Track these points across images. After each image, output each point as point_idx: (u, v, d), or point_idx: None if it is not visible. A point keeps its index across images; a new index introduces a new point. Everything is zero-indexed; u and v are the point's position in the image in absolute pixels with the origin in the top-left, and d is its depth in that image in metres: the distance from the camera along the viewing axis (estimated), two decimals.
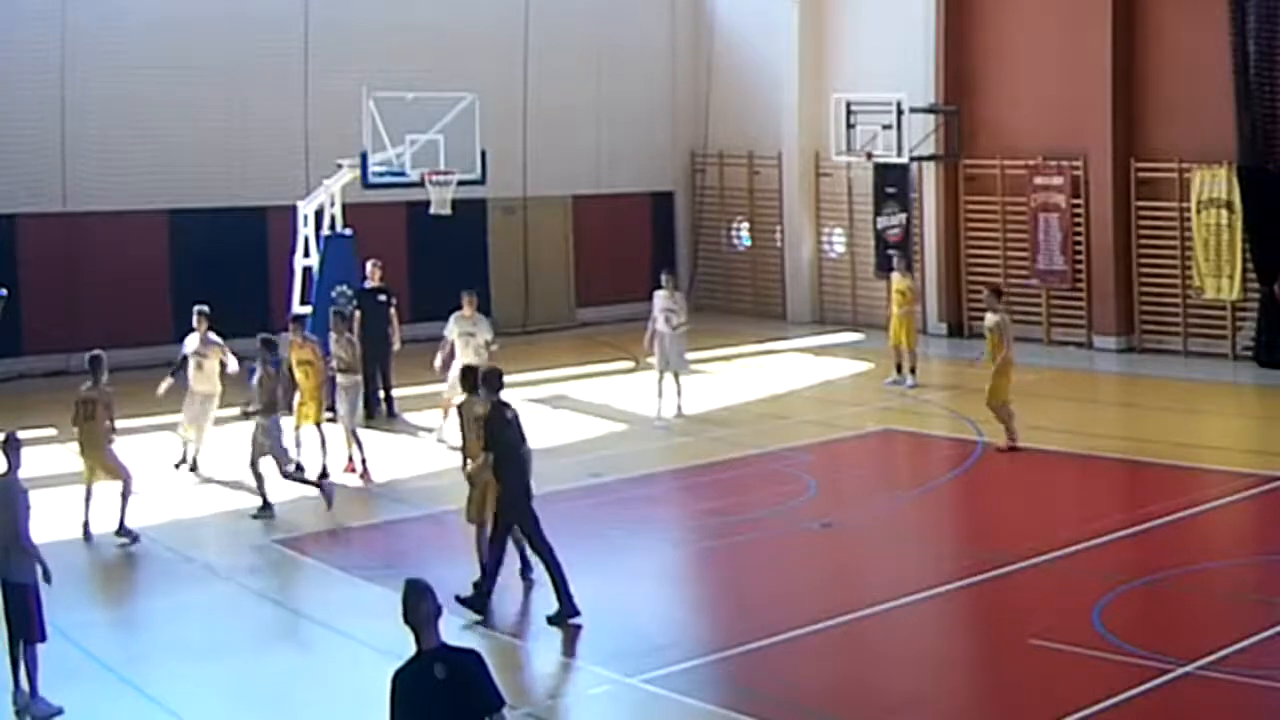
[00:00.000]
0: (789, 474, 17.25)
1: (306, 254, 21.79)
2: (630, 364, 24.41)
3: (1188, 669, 10.48)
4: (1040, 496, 16.64)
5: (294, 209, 22.25)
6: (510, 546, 12.72)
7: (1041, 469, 17.67)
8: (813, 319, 29.62)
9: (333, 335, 17.86)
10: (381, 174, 21.26)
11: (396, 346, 20.67)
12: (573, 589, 12.14)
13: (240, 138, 25.79)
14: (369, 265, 20.87)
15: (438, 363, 18.93)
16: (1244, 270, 23.38)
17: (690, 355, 22.08)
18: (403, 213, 25.99)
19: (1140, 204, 24.78)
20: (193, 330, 17.75)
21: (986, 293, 19.49)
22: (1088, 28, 24.97)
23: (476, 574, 12.56)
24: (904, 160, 26.94)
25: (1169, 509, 15.09)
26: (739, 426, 20.21)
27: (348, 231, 21.76)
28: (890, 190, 28.13)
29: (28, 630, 10.37)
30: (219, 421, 17.79)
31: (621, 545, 14.79)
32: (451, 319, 19.02)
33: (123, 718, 10.65)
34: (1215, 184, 23.47)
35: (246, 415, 15.95)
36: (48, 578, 10.45)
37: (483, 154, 22.05)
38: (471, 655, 6.77)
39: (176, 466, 17.49)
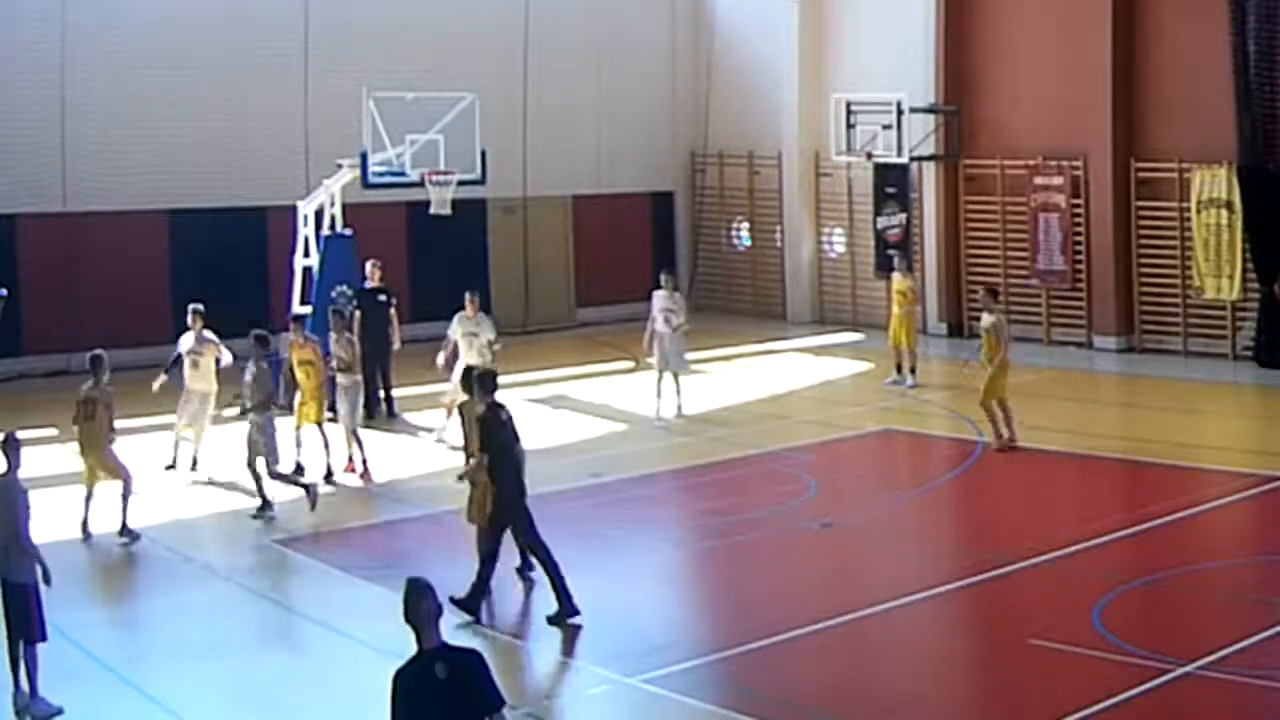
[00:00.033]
0: (789, 474, 17.25)
1: (306, 254, 21.80)
2: (630, 364, 24.41)
3: (1188, 669, 10.48)
4: (1040, 496, 16.64)
5: (294, 209, 22.26)
6: (511, 545, 12.72)
7: (1041, 469, 17.67)
8: (813, 319, 29.61)
9: (332, 335, 17.85)
10: (381, 174, 21.26)
11: (396, 346, 20.68)
12: (571, 588, 12.14)
13: (240, 138, 25.79)
14: (369, 265, 20.87)
15: (440, 360, 18.95)
16: (1244, 270, 23.38)
17: (690, 355, 22.08)
18: (403, 213, 25.99)
19: (1140, 204, 24.78)
20: (187, 329, 17.72)
21: (982, 293, 19.50)
22: (1088, 28, 24.97)
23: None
24: (904, 160, 26.94)
25: (1169, 509, 15.09)
26: (739, 426, 20.21)
27: (348, 231, 21.77)
28: (890, 190, 28.13)
29: (28, 630, 10.37)
30: (218, 421, 17.76)
31: (621, 545, 14.79)
32: (455, 319, 19.05)
33: (123, 718, 10.65)
34: (1215, 184, 23.47)
35: (243, 412, 15.96)
36: (47, 579, 10.45)
37: (483, 154, 22.06)
38: (473, 655, 6.79)
39: (168, 469, 17.36)
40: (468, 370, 13.77)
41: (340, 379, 17.53)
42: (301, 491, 15.86)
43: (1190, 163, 23.79)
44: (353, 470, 17.32)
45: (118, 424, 15.15)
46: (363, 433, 17.73)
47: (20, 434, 11.18)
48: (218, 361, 17.60)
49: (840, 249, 29.52)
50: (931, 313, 27.24)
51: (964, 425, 19.13)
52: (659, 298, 20.46)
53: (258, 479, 15.66)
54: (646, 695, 10.67)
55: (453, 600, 11.83)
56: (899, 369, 22.67)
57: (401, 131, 21.04)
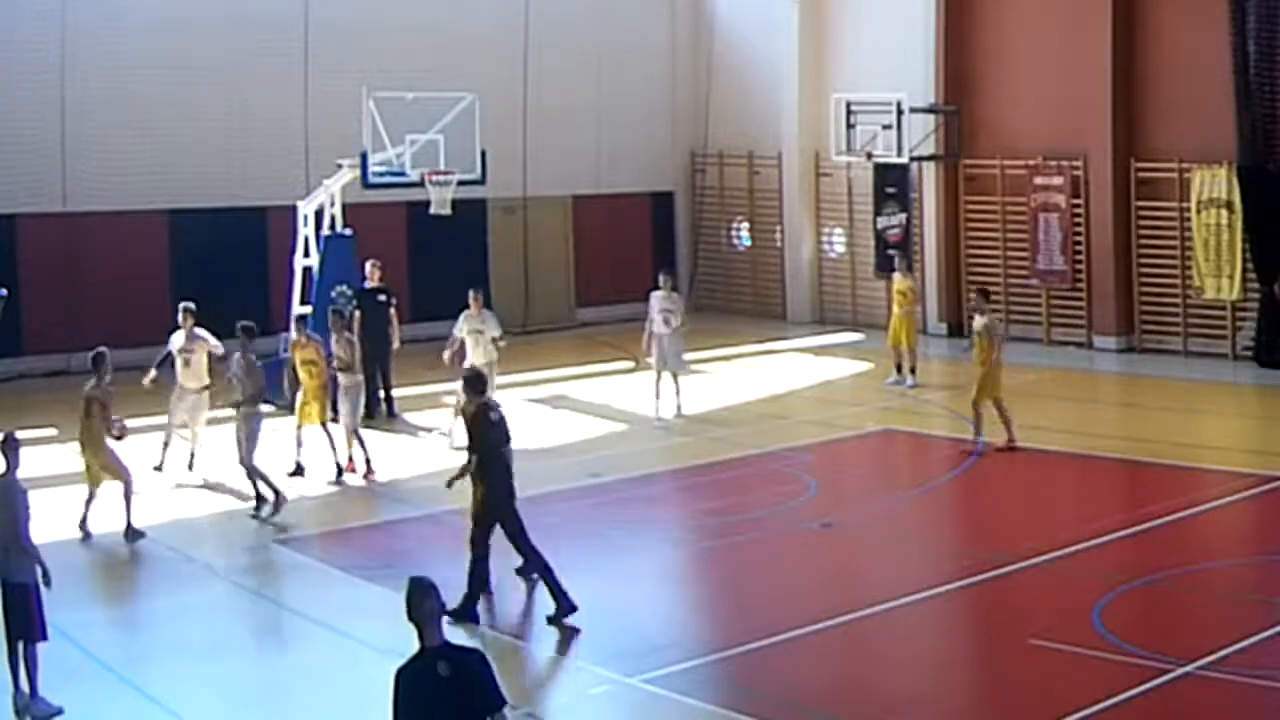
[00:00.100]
0: (789, 474, 17.25)
1: (306, 254, 21.80)
2: (630, 364, 24.41)
3: (1188, 669, 10.48)
4: (1040, 496, 16.65)
5: (294, 209, 22.27)
6: (511, 546, 12.73)
7: (1041, 469, 17.67)
8: (813, 319, 29.62)
9: (332, 335, 17.86)
10: (381, 174, 21.26)
11: (396, 346, 20.68)
12: (566, 585, 12.13)
13: (240, 138, 25.79)
14: (369, 265, 20.87)
15: (446, 358, 19.00)
16: (1244, 270, 23.38)
17: (690, 355, 22.13)
18: (403, 213, 26.00)
19: (1140, 204, 24.79)
20: (178, 328, 17.64)
21: (975, 295, 19.53)
22: (1088, 28, 24.97)
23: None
24: (904, 160, 26.94)
25: (1169, 509, 15.09)
26: (739, 426, 20.21)
27: (348, 231, 21.77)
28: (890, 190, 28.14)
29: (28, 630, 10.37)
30: (216, 421, 17.74)
31: (621, 545, 14.79)
32: (460, 317, 19.13)
33: (123, 718, 10.65)
34: (1215, 184, 23.48)
35: (234, 406, 15.97)
36: (47, 580, 10.45)
37: (483, 154, 22.06)
38: (475, 654, 6.81)
39: (155, 469, 17.19)
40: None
41: (341, 379, 17.53)
42: (269, 493, 15.77)
43: (1190, 163, 23.79)
44: (353, 470, 17.32)
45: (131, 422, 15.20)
46: (363, 433, 17.73)
47: (20, 434, 11.17)
48: (211, 355, 17.55)
49: (840, 249, 29.52)
50: (931, 313, 27.24)
51: (964, 425, 19.11)
52: (657, 298, 20.45)
53: (251, 476, 15.67)
54: (646, 695, 10.67)
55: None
56: (899, 369, 22.67)
57: (401, 131, 21.04)
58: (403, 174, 21.30)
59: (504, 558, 12.69)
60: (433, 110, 21.39)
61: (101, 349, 15.16)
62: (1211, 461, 17.49)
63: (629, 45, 30.66)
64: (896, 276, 23.20)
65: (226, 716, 10.72)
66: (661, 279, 20.72)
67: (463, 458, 12.75)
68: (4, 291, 19.65)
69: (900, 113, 26.28)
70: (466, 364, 19.16)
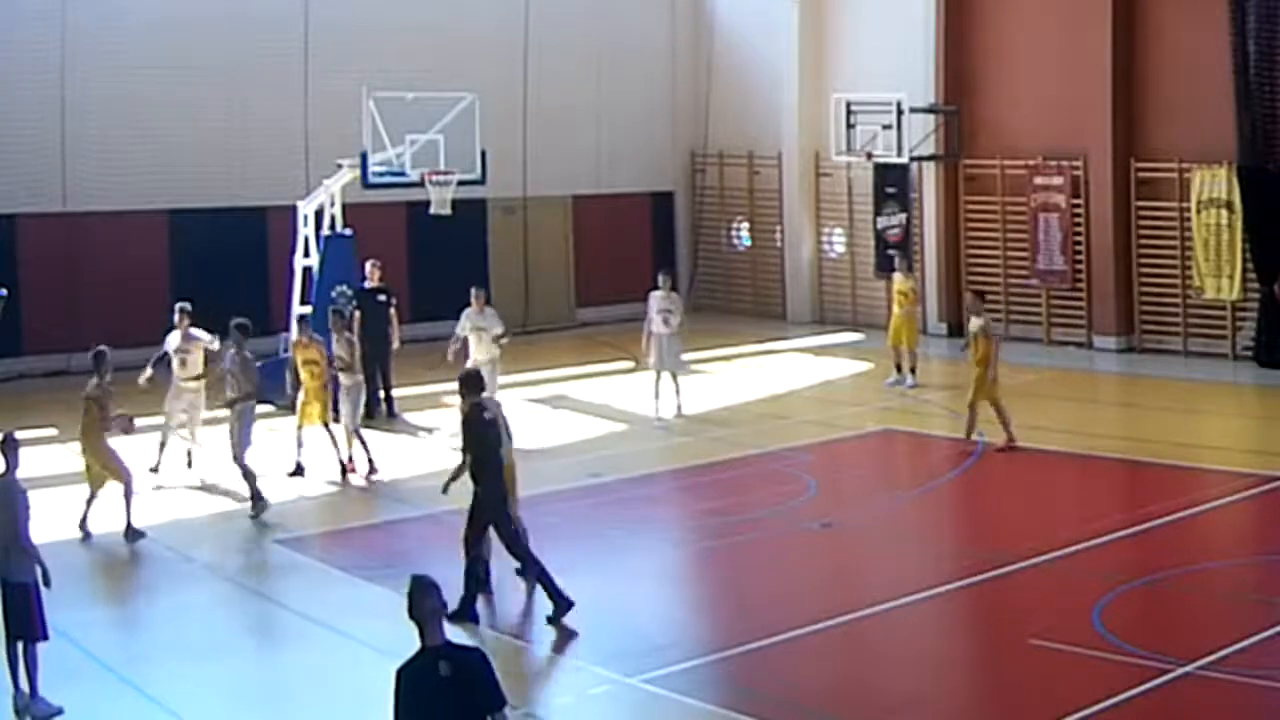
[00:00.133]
0: (789, 474, 17.25)
1: (306, 254, 21.80)
2: (630, 364, 24.40)
3: (1188, 669, 10.48)
4: (1040, 496, 16.65)
5: (294, 209, 22.27)
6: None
7: (1041, 469, 17.68)
8: (813, 319, 29.62)
9: (333, 335, 17.86)
10: (381, 174, 21.26)
11: (396, 346, 20.69)
12: (564, 584, 12.13)
13: (240, 138, 25.79)
14: (369, 265, 20.87)
15: (450, 354, 19.06)
16: (1244, 270, 23.38)
17: (689, 355, 22.13)
18: (403, 213, 26.00)
19: (1140, 204, 24.79)
20: (174, 328, 17.56)
21: (970, 297, 19.53)
22: (1088, 28, 24.97)
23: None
24: (904, 160, 26.94)
25: (1169, 509, 15.09)
26: (739, 426, 20.21)
27: (348, 231, 21.77)
28: (890, 190, 28.14)
29: (28, 629, 10.38)
30: (213, 421, 17.72)
31: (621, 545, 14.79)
32: (463, 315, 19.20)
33: (123, 718, 10.65)
34: (1215, 184, 23.48)
35: (229, 404, 15.97)
36: (47, 581, 10.45)
37: (483, 154, 22.06)
38: (476, 653, 6.82)
39: (151, 470, 17.07)
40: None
41: (342, 379, 17.54)
42: (251, 491, 15.74)
43: (1190, 163, 23.79)
44: (354, 470, 17.32)
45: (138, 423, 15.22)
46: (364, 433, 17.73)
47: (20, 434, 11.17)
48: (207, 353, 17.48)
49: (840, 249, 29.52)
50: (932, 313, 27.24)
51: (964, 425, 19.10)
52: (656, 298, 20.44)
53: (246, 475, 15.67)
54: (646, 695, 10.67)
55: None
56: (899, 369, 22.67)
57: (401, 131, 21.04)
58: (403, 174, 21.30)
59: (504, 558, 12.71)
60: (433, 110, 21.38)
61: (102, 347, 15.15)
62: (1211, 461, 17.49)
63: (629, 45, 30.65)
64: (897, 277, 23.20)
65: (226, 716, 10.72)
66: (660, 279, 20.71)
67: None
68: (4, 291, 19.65)
69: (900, 113, 26.28)
70: (469, 362, 19.23)
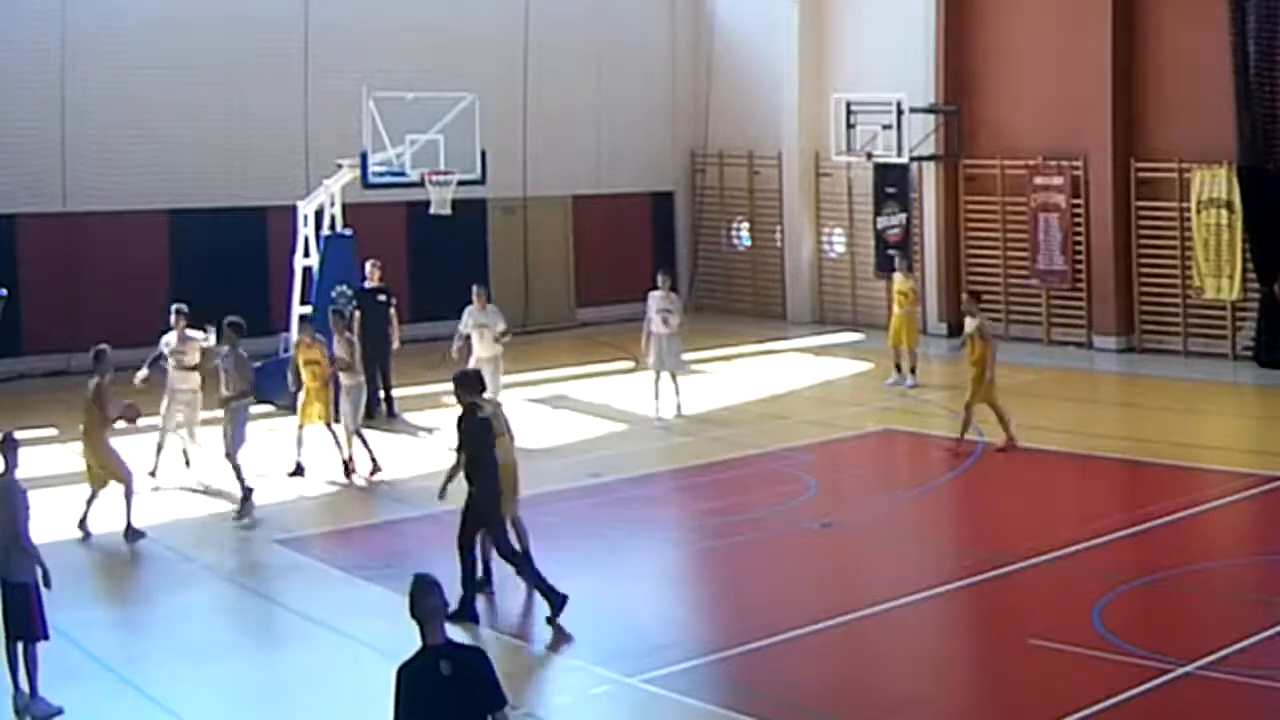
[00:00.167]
0: (789, 474, 17.25)
1: (306, 254, 21.80)
2: (630, 364, 24.40)
3: (1188, 669, 10.48)
4: (1040, 496, 16.64)
5: (294, 209, 22.26)
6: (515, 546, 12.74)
7: (1041, 469, 17.68)
8: (813, 319, 29.62)
9: (334, 336, 17.84)
10: (381, 174, 21.26)
11: (396, 346, 20.68)
12: (561, 583, 12.13)
13: (240, 138, 25.78)
14: (368, 265, 20.86)
15: (454, 352, 19.16)
16: (1244, 270, 23.38)
17: (689, 355, 22.12)
18: (403, 213, 26.00)
19: (1140, 204, 24.79)
20: (170, 329, 17.45)
21: (965, 298, 19.54)
22: (1088, 28, 24.98)
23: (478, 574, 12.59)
24: (904, 160, 26.94)
25: (1169, 509, 15.09)
26: (739, 426, 20.21)
27: (348, 231, 21.77)
28: (890, 190, 28.14)
29: (28, 630, 10.38)
30: (210, 421, 17.68)
31: (621, 545, 14.78)
32: (465, 313, 19.24)
33: (123, 718, 10.65)
34: (1215, 184, 23.48)
35: (223, 402, 15.95)
36: (47, 581, 10.45)
37: (483, 154, 22.06)
38: (477, 653, 6.83)
39: (150, 474, 16.88)
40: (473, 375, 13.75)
41: (343, 379, 17.52)
42: (239, 491, 15.71)
43: (1190, 163, 23.79)
44: (354, 471, 17.31)
45: (118, 425, 15.19)
46: (365, 432, 17.72)
47: (20, 434, 11.17)
48: (204, 352, 17.41)
49: (840, 249, 29.52)
50: (932, 313, 27.24)
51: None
52: (655, 298, 20.43)
53: (237, 474, 15.64)
54: (646, 695, 10.67)
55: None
56: (898, 369, 22.68)
57: (401, 131, 21.04)
58: (403, 174, 21.30)
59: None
60: (433, 110, 21.38)
61: (103, 346, 15.16)
62: (1211, 461, 17.49)
63: (629, 45, 30.65)
64: (897, 277, 23.20)
65: (227, 717, 10.72)
66: (660, 279, 20.70)
67: None
68: (4, 291, 19.65)
69: (900, 113, 26.28)
70: (473, 359, 19.27)
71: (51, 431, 19.17)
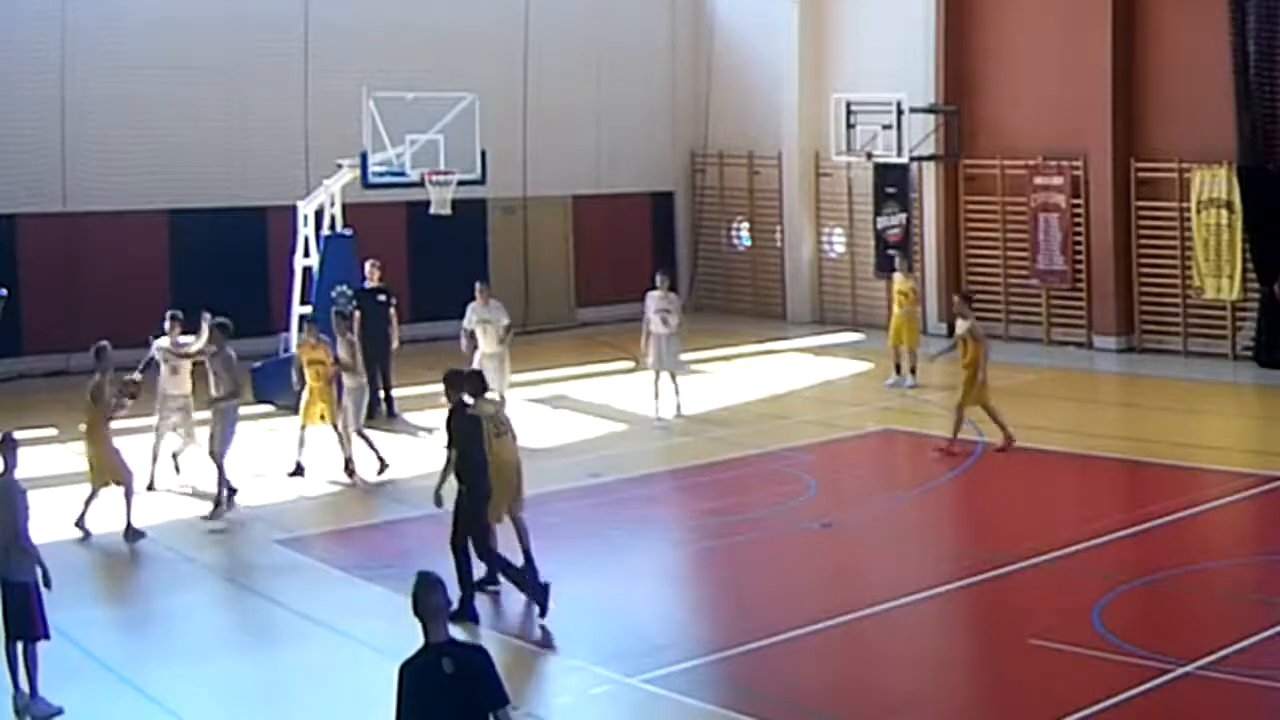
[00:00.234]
0: (789, 474, 17.25)
1: (306, 254, 21.80)
2: (630, 364, 24.39)
3: (1188, 669, 10.48)
4: (1040, 496, 16.64)
5: (294, 209, 22.27)
6: (514, 547, 12.73)
7: (1041, 469, 17.67)
8: (813, 319, 29.62)
9: (337, 337, 17.82)
10: (381, 174, 21.26)
11: (396, 346, 20.68)
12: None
13: (240, 138, 25.78)
14: (368, 265, 20.86)
15: (464, 348, 19.32)
16: (1244, 270, 23.38)
17: (689, 355, 22.12)
18: (403, 213, 26.00)
19: (1140, 204, 24.79)
20: (163, 334, 17.30)
21: (956, 300, 19.55)
22: (1088, 28, 24.98)
23: (481, 574, 12.58)
24: (904, 160, 26.94)
25: (1169, 509, 15.09)
26: (739, 426, 20.21)
27: (348, 231, 21.77)
28: (890, 190, 28.14)
29: (28, 629, 10.38)
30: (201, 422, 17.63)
31: (621, 545, 14.78)
32: (468, 310, 19.28)
33: (123, 718, 10.65)
34: (1215, 184, 23.48)
35: (211, 403, 15.93)
36: (48, 582, 10.45)
37: (483, 154, 22.06)
38: (479, 651, 6.84)
39: (149, 488, 16.54)
40: (474, 374, 13.74)
41: (346, 381, 17.49)
42: (224, 492, 15.66)
43: (1190, 163, 23.79)
44: (354, 472, 17.29)
45: (118, 424, 15.17)
46: (368, 432, 17.70)
47: (20, 434, 11.17)
48: (199, 356, 17.25)
49: (840, 249, 29.52)
50: (932, 313, 27.23)
51: (964, 425, 19.10)
52: (654, 298, 20.41)
53: (220, 475, 15.59)
54: (646, 695, 10.67)
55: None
56: (898, 369, 22.68)
57: (401, 131, 21.04)
58: (403, 174, 21.30)
59: (511, 555, 12.70)
60: (433, 110, 21.38)
61: (103, 342, 15.17)
62: (1211, 461, 17.49)
63: (629, 45, 30.65)
64: (897, 277, 23.20)
65: (226, 717, 10.72)
66: (659, 279, 20.68)
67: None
68: (4, 291, 19.64)
69: (900, 113, 26.28)
70: (477, 355, 19.31)
71: (51, 431, 19.17)
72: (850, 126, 27.05)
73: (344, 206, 21.87)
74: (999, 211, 26.60)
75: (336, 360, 17.41)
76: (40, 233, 24.20)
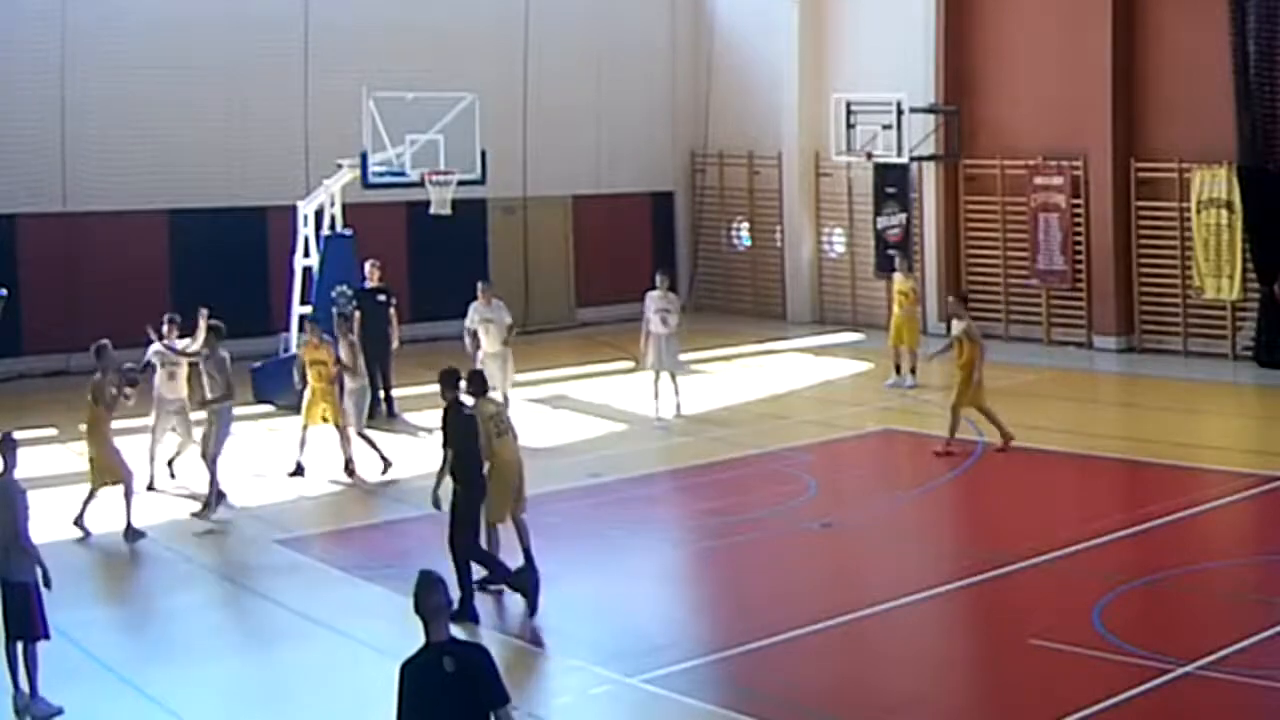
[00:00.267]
0: (789, 474, 17.24)
1: (306, 254, 21.81)
2: (630, 364, 24.39)
3: (1188, 669, 10.48)
4: (1040, 496, 16.64)
5: (294, 209, 22.27)
6: (514, 546, 12.74)
7: (1041, 469, 17.67)
8: (813, 319, 29.62)
9: (338, 338, 17.82)
10: (381, 174, 21.27)
11: (395, 346, 20.67)
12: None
13: (240, 138, 25.78)
14: (368, 265, 20.86)
15: (469, 347, 19.30)
16: (1244, 270, 23.38)
17: (689, 355, 22.12)
18: (403, 213, 25.99)
19: (1140, 204, 24.78)
20: (161, 337, 17.18)
21: (951, 300, 19.55)
22: (1088, 28, 24.97)
23: (482, 575, 12.58)
24: (904, 160, 26.94)
25: (1169, 509, 15.09)
26: (739, 426, 20.21)
27: (348, 231, 21.78)
28: (890, 190, 28.14)
29: (28, 629, 10.38)
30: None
31: (621, 545, 14.78)
32: (470, 309, 19.28)
33: (123, 718, 10.65)
34: (1215, 184, 23.47)
35: (204, 404, 15.92)
36: (48, 582, 10.45)
37: (483, 154, 22.07)
38: (480, 650, 6.85)
39: (150, 488, 16.55)
40: (475, 373, 13.73)
41: (348, 382, 17.47)
42: (213, 495, 15.60)
43: (1190, 163, 23.79)
44: (355, 472, 17.30)
45: (118, 424, 15.18)
46: (369, 433, 17.71)
47: (20, 434, 11.18)
48: (194, 359, 17.22)
49: (840, 249, 29.52)
50: (932, 313, 27.20)
51: (964, 425, 19.10)
52: (653, 298, 20.40)
53: (211, 477, 15.57)
54: (646, 695, 10.67)
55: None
56: (898, 369, 22.67)
57: (401, 131, 21.05)
58: (403, 174, 21.31)
59: (513, 555, 12.70)
60: (433, 110, 21.39)
61: (104, 341, 15.18)
62: (1211, 461, 17.49)
63: (629, 45, 30.65)
64: (898, 277, 23.20)
65: (227, 717, 10.72)
66: (658, 278, 20.67)
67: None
68: (4, 291, 19.64)
69: (900, 113, 26.28)
70: (480, 355, 19.31)
71: (51, 431, 19.17)
72: (850, 126, 27.06)
73: (344, 206, 21.88)
74: (999, 211, 26.60)
75: (338, 361, 17.41)
76: (40, 233, 24.20)
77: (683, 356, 21.28)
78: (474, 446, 12.37)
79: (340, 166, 21.57)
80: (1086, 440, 18.76)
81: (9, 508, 10.41)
